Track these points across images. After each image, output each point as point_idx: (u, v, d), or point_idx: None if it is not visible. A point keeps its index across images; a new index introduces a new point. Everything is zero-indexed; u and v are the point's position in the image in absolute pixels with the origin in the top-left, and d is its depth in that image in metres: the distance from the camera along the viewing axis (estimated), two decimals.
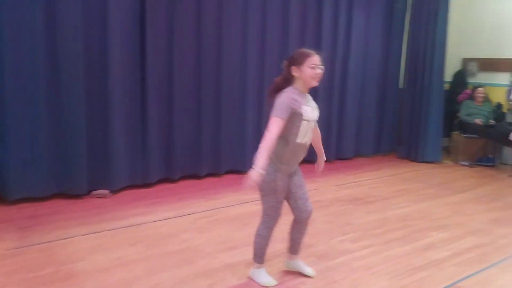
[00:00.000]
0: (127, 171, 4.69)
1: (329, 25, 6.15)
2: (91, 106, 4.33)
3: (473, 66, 7.20)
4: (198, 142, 5.20)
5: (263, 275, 2.84)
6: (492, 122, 6.53)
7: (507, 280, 3.03)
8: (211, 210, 4.21)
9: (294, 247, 2.94)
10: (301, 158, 2.70)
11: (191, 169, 5.24)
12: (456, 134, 6.92)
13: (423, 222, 4.09)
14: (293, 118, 2.50)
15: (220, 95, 5.26)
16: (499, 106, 6.76)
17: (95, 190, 4.45)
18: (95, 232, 3.56)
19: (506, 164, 6.41)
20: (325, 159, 3.01)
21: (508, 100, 6.63)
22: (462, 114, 6.73)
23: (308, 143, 2.67)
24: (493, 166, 6.55)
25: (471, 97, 6.80)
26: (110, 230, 3.63)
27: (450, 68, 7.09)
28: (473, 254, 3.39)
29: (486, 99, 6.77)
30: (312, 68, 2.52)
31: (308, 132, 2.61)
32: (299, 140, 2.57)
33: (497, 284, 2.97)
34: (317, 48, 5.87)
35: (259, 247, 2.81)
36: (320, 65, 2.55)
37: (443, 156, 6.89)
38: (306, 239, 3.53)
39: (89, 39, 4.23)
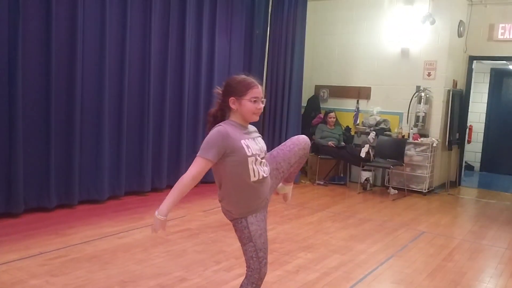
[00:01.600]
0: None
1: (193, 49, 6.09)
2: None
3: (324, 93, 7.80)
4: (46, 168, 4.56)
5: None
6: (343, 144, 7.10)
7: None
8: (64, 247, 3.67)
9: None
10: (267, 191, 2.27)
11: (37, 200, 4.55)
12: (311, 155, 7.35)
13: (290, 244, 4.15)
14: (235, 158, 2.11)
15: (73, 115, 4.73)
16: (348, 129, 7.42)
17: None
18: None
19: (355, 182, 7.00)
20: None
21: (355, 123, 7.33)
22: (317, 136, 7.19)
23: (267, 174, 2.22)
24: (344, 184, 7.11)
25: (324, 121, 7.33)
26: None
27: (305, 94, 7.56)
28: (340, 273, 3.51)
29: (337, 123, 7.36)
30: (254, 101, 2.13)
31: (260, 167, 2.18)
32: (254, 178, 2.16)
33: None
34: (180, 72, 5.86)
35: None
36: (263, 98, 2.19)
37: (300, 176, 7.24)
38: (179, 273, 3.31)
39: None
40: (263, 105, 2.20)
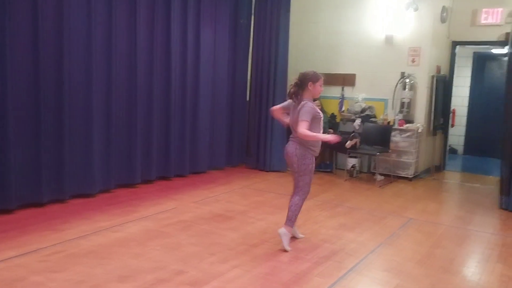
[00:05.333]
0: None
1: (178, 40, 6.11)
2: None
3: None
4: (37, 164, 4.57)
5: (288, 239, 3.83)
6: (330, 131, 7.18)
7: (365, 284, 3.33)
8: (61, 243, 3.72)
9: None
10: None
11: (29, 196, 4.57)
12: None
13: None
14: (316, 119, 3.66)
15: (62, 110, 4.73)
16: (333, 116, 7.51)
17: None
18: None
19: (341, 169, 7.12)
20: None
21: (340, 111, 7.41)
22: None
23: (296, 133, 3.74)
24: (330, 171, 7.22)
25: None
26: None
27: (290, 82, 7.58)
28: (331, 262, 3.63)
29: (322, 110, 7.42)
30: (320, 86, 3.74)
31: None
32: (321, 132, 3.78)
33: None
34: (166, 63, 5.86)
35: (294, 214, 3.85)
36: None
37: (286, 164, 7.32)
38: (176, 266, 3.39)
39: None
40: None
